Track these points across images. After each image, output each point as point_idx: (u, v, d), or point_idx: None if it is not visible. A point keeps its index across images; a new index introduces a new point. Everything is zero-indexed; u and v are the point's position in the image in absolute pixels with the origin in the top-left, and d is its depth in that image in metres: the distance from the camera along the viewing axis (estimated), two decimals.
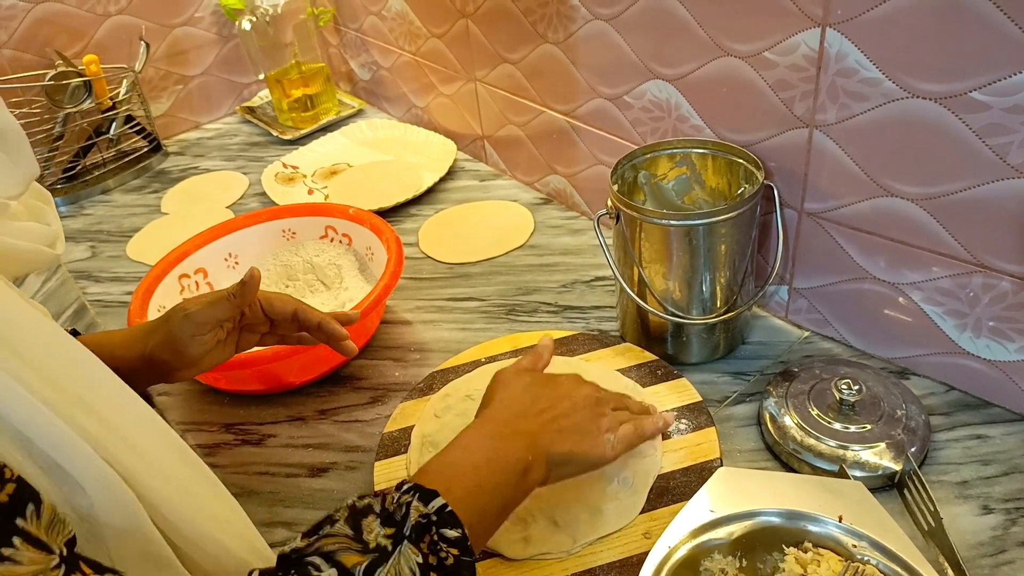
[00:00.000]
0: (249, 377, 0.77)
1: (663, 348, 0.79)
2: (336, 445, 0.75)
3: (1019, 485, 0.63)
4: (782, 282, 0.81)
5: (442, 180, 1.17)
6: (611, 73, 0.88)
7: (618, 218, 0.74)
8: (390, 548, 0.44)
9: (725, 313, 0.76)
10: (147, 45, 1.27)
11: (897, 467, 0.63)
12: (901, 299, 0.71)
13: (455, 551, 0.45)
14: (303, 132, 1.35)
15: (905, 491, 0.63)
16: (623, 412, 0.64)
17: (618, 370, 0.75)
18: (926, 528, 0.60)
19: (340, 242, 0.96)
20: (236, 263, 0.95)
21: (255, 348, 0.80)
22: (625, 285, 0.76)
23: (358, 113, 1.42)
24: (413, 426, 0.72)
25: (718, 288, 0.75)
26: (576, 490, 0.63)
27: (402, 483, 0.48)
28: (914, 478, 0.61)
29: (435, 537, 0.45)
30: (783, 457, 0.68)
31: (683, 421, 0.69)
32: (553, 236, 1.03)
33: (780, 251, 0.75)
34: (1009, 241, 0.62)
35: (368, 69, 1.40)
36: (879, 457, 0.64)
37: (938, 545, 0.58)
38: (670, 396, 0.72)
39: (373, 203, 1.08)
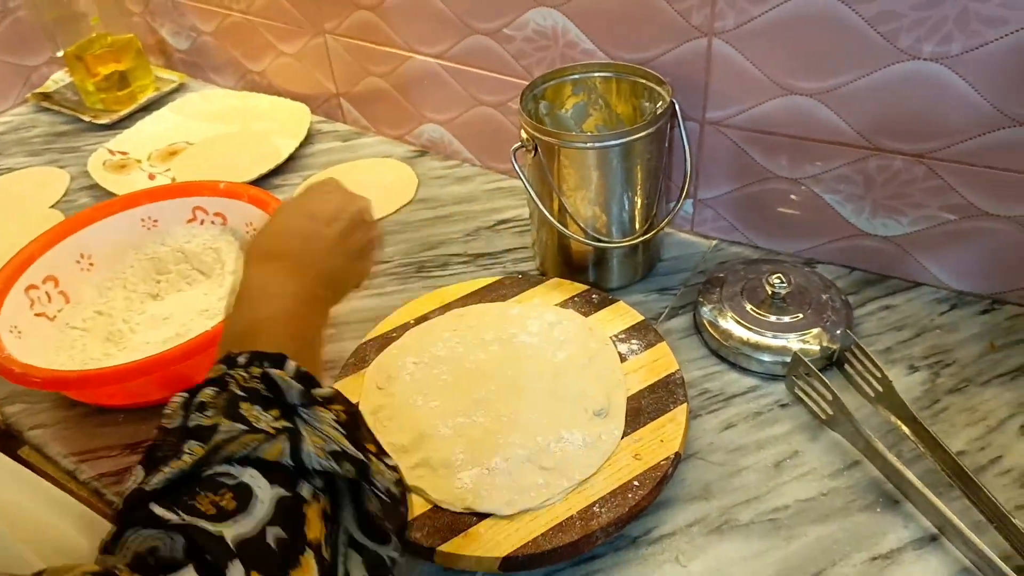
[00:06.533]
0: (151, 385, 0.67)
1: (586, 277, 0.79)
2: None
3: (932, 342, 0.70)
4: (686, 196, 0.83)
5: (301, 146, 1.08)
6: (486, 6, 0.84)
7: (535, 149, 0.71)
8: (292, 424, 0.39)
9: (645, 233, 0.76)
10: None
11: (835, 346, 0.68)
12: (803, 193, 0.76)
13: (339, 407, 0.42)
14: (121, 114, 1.18)
15: (845, 366, 0.67)
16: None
17: (556, 304, 0.74)
18: (872, 395, 0.65)
19: (212, 223, 0.85)
20: (91, 264, 0.81)
21: (150, 352, 0.70)
22: (548, 215, 0.74)
23: (180, 88, 1.27)
24: (357, 403, 0.66)
25: (636, 209, 0.75)
26: (553, 431, 0.61)
27: (232, 357, 0.42)
28: (855, 351, 0.65)
29: (317, 400, 0.41)
30: (730, 358, 0.70)
31: (633, 342, 0.69)
32: (440, 187, 0.98)
33: (689, 164, 0.76)
34: (900, 122, 0.67)
35: (185, 37, 1.25)
36: (819, 341, 0.68)
37: (888, 407, 0.63)
38: (614, 320, 0.71)
39: (229, 179, 0.97)
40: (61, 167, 1.09)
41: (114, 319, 0.78)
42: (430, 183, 0.99)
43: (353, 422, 0.42)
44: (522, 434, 0.61)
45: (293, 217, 0.54)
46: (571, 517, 0.56)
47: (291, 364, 0.42)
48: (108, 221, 0.82)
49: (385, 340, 0.72)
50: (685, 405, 0.63)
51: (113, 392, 0.68)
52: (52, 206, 1.01)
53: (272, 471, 0.38)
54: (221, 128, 1.14)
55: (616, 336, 0.70)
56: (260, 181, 1.01)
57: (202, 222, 0.85)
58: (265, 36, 1.12)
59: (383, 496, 0.41)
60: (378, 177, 1.01)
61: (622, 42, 0.77)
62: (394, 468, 0.43)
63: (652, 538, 0.57)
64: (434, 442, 0.61)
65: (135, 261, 0.83)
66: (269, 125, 1.12)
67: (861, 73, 0.66)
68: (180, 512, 0.35)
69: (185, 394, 0.41)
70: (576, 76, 0.77)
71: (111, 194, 0.99)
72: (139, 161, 1.08)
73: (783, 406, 0.66)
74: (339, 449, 0.40)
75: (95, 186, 1.03)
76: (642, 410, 0.63)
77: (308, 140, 1.10)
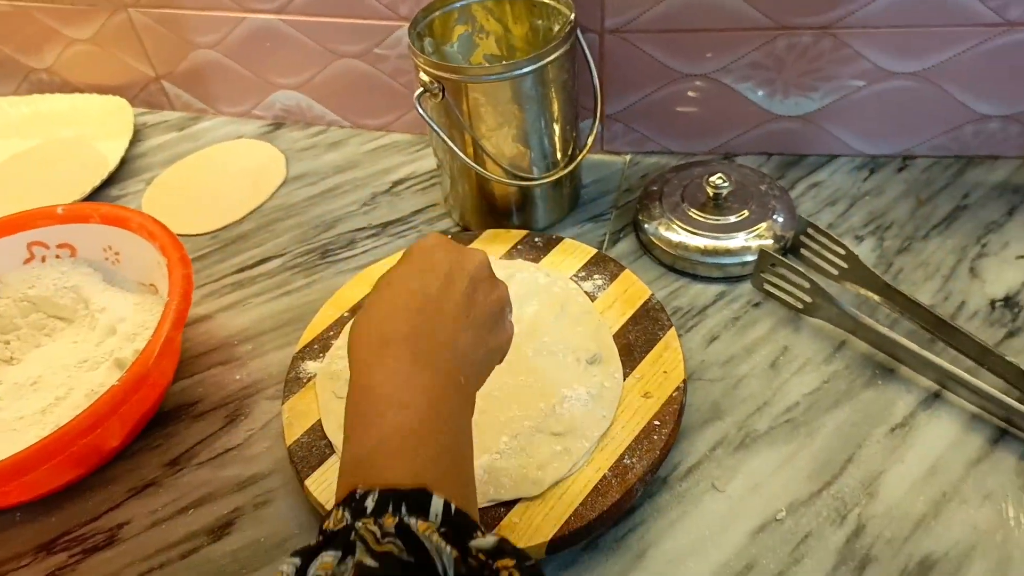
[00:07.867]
0: (60, 467, 0.54)
1: (511, 222, 0.73)
2: (222, 489, 0.57)
3: (866, 209, 0.71)
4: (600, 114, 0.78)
5: (129, 146, 0.91)
6: None
7: (442, 92, 0.63)
8: None
9: (569, 163, 0.71)
10: None
11: (789, 234, 0.67)
12: (714, 87, 0.73)
13: (508, 563, 0.30)
14: None
15: (802, 251, 0.67)
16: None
17: (500, 258, 0.67)
18: (836, 273, 0.65)
19: (58, 257, 0.70)
20: None
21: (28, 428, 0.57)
22: (467, 160, 0.66)
23: None
24: (318, 422, 0.57)
25: (557, 138, 0.69)
26: (554, 392, 0.56)
27: (356, 498, 0.32)
28: (811, 233, 0.65)
29: (479, 559, 0.31)
30: (689, 270, 0.67)
31: (596, 277, 0.65)
32: (313, 159, 0.87)
33: (596, 80, 0.71)
34: None
35: None
36: (772, 232, 0.67)
37: (855, 281, 0.63)
38: (567, 260, 0.66)
39: (55, 199, 0.80)
40: None
41: None
42: (299, 157, 0.88)
43: None
44: (521, 405, 0.55)
45: (398, 293, 0.41)
46: (604, 477, 0.51)
47: (437, 502, 0.32)
48: None
49: (323, 343, 0.63)
50: (673, 329, 0.59)
51: (7, 491, 0.53)
52: None
53: None
54: (17, 143, 0.94)
55: (576, 276, 0.65)
56: (93, 197, 0.85)
57: (43, 259, 0.70)
58: (44, 22, 0.93)
59: None
60: (236, 163, 0.88)
61: None
62: None
63: (681, 473, 0.54)
64: None
65: None
66: (81, 129, 0.94)
67: None
68: None
69: (296, 561, 0.31)
70: (463, 3, 0.69)
71: None
72: None
73: (756, 305, 0.65)
74: None
75: None
76: (633, 345, 0.59)
77: (136, 138, 0.93)
